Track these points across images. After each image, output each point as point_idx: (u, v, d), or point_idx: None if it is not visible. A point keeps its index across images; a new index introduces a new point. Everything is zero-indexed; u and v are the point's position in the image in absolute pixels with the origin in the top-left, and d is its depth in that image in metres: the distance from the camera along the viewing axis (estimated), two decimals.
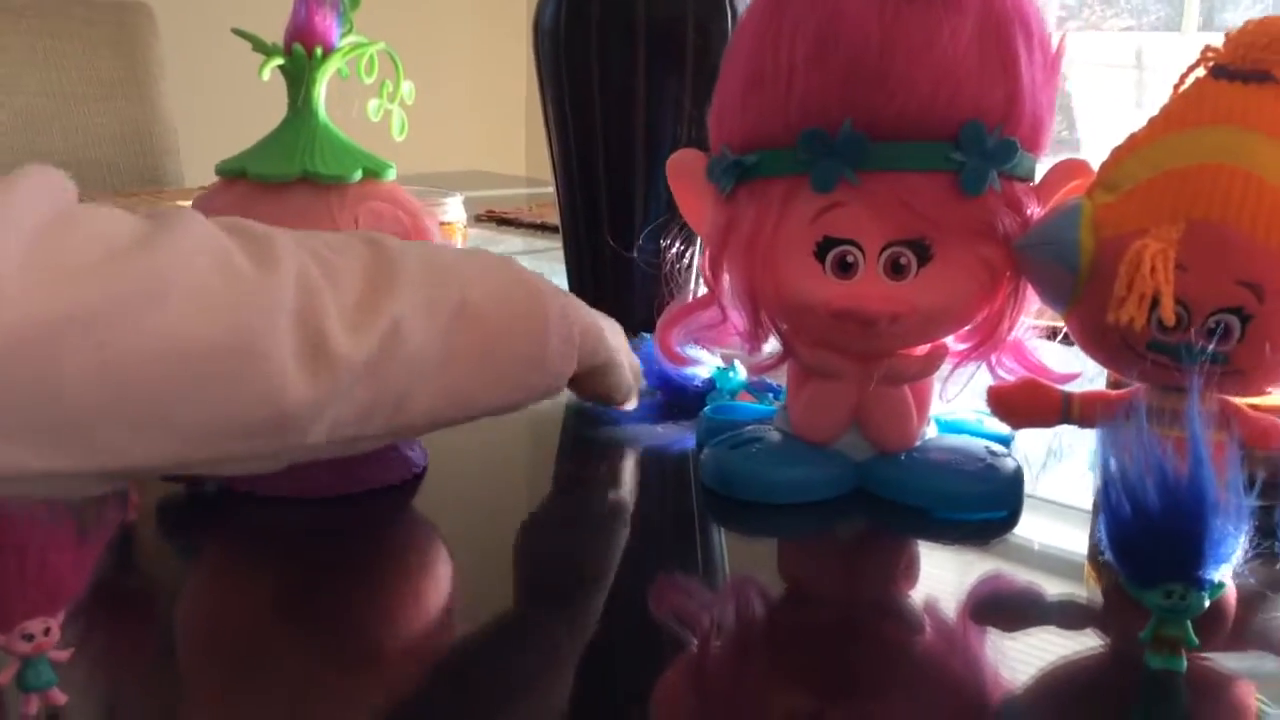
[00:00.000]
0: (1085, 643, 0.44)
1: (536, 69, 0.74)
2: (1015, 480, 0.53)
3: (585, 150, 0.73)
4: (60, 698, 0.35)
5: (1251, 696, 0.41)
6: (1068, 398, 0.50)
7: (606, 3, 0.70)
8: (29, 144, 1.47)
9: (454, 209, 0.93)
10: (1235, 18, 2.49)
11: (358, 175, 0.49)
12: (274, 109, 0.51)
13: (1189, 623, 0.38)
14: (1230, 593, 0.46)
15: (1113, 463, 0.38)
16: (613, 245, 0.69)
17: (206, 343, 0.34)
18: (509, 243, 1.24)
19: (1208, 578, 0.38)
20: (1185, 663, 0.39)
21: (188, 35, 1.55)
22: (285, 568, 0.49)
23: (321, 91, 0.50)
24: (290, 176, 0.48)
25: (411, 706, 0.41)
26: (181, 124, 1.59)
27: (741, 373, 0.66)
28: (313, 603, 0.46)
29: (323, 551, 0.50)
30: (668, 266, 0.57)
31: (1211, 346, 0.45)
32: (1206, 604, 0.38)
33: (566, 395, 0.56)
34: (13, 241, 0.31)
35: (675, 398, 0.66)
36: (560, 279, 0.82)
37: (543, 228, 1.25)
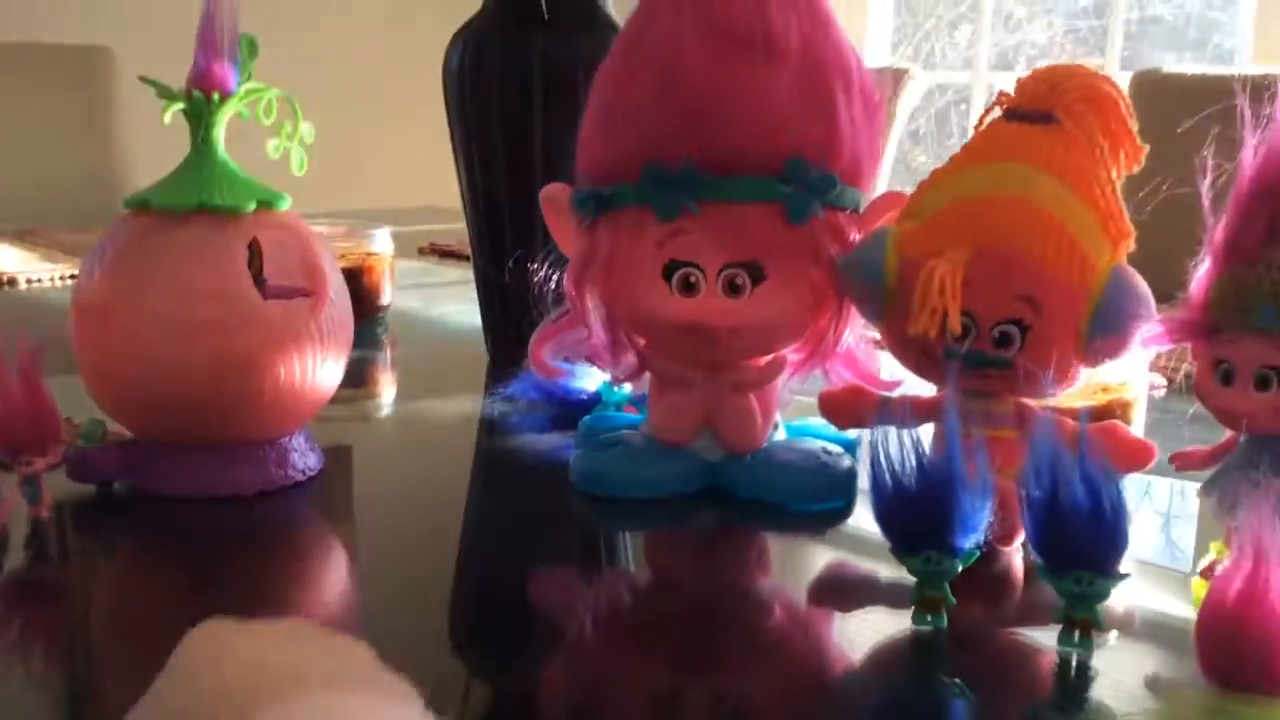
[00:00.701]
0: (906, 620, 0.49)
1: (445, 107, 0.81)
2: (849, 476, 0.59)
3: (489, 185, 0.79)
4: None
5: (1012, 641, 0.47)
6: (884, 400, 0.56)
7: (504, 49, 0.76)
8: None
9: (381, 241, 0.99)
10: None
11: (252, 206, 0.55)
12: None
13: (947, 584, 0.44)
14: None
15: (880, 450, 0.44)
16: (509, 273, 0.75)
17: None
18: (446, 274, 1.30)
19: (960, 545, 0.44)
20: (946, 619, 0.45)
21: (146, 74, 1.61)
22: (188, 564, 0.54)
23: (220, 132, 0.56)
24: (189, 207, 0.54)
25: None
26: (140, 162, 1.65)
27: (626, 387, 0.72)
28: (213, 595, 0.51)
29: (226, 548, 0.55)
30: (537, 289, 0.63)
31: (997, 353, 0.51)
32: (960, 568, 0.44)
33: (477, 410, 0.62)
34: None
35: (563, 410, 0.72)
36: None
37: None
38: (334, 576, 0.56)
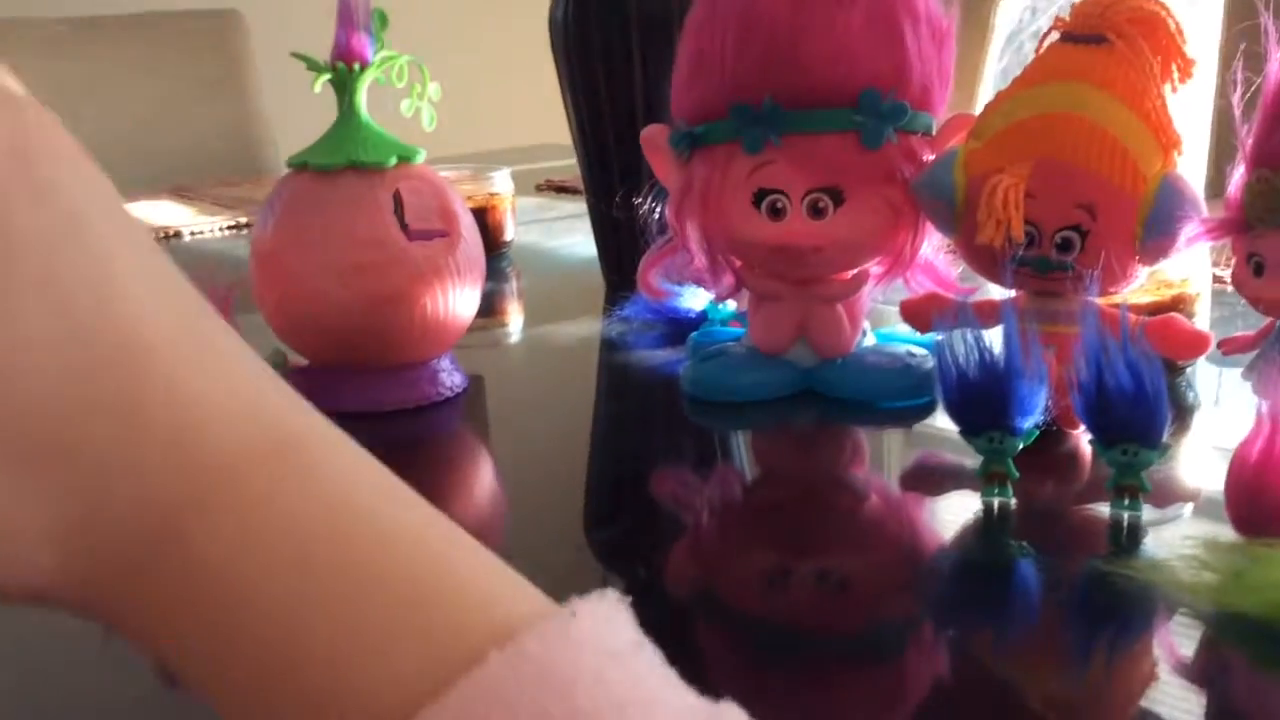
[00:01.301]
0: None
1: (553, 56, 0.88)
2: (929, 375, 0.66)
3: (595, 127, 0.86)
4: None
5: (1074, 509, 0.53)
6: (960, 304, 0.62)
7: (605, 1, 0.83)
8: (146, 145, 1.66)
9: (502, 182, 1.07)
10: None
11: (393, 161, 0.64)
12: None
13: (1009, 461, 0.51)
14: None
15: (946, 345, 0.51)
16: (618, 208, 0.82)
17: None
18: (562, 208, 1.38)
19: (1019, 425, 0.50)
20: (1011, 492, 0.52)
21: (274, 36, 1.72)
22: None
23: (362, 97, 0.64)
24: (340, 165, 0.63)
25: None
26: (275, 116, 1.77)
27: (730, 304, 0.79)
28: None
29: (390, 454, 0.65)
30: (644, 220, 0.71)
31: (1059, 257, 0.57)
32: (1020, 446, 0.51)
33: (597, 331, 0.72)
34: None
35: (674, 327, 0.80)
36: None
37: None
38: (480, 477, 0.65)
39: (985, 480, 0.52)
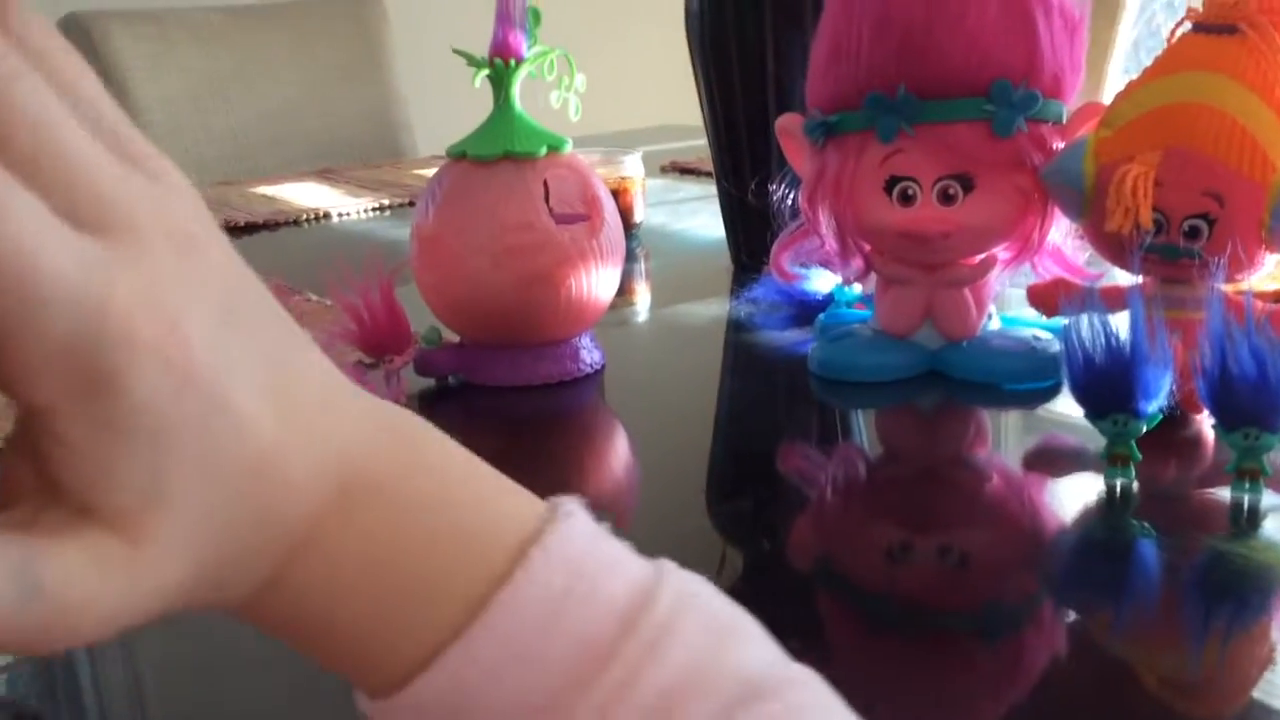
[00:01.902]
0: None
1: (688, 44, 0.91)
2: (1055, 358, 0.67)
3: (728, 111, 0.90)
4: None
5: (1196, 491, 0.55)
6: (1086, 290, 0.64)
7: None
8: (291, 129, 1.74)
9: (632, 165, 1.11)
10: None
11: (543, 150, 0.68)
12: (484, 85, 0.70)
13: (1133, 443, 0.53)
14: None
15: (1073, 329, 0.53)
16: (753, 193, 0.85)
17: None
18: (688, 189, 1.42)
19: (1143, 409, 0.52)
20: (1134, 474, 0.54)
21: (414, 21, 1.79)
22: (507, 437, 0.69)
23: (516, 90, 0.69)
24: (496, 155, 0.67)
25: None
26: (412, 101, 1.84)
27: (856, 287, 0.82)
28: (525, 459, 0.65)
29: (534, 425, 0.69)
30: (776, 205, 0.74)
31: (1187, 244, 0.58)
32: (1144, 429, 0.53)
33: (725, 312, 0.75)
34: None
35: (801, 310, 0.82)
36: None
37: None
38: (615, 448, 0.69)
39: (1109, 462, 0.54)
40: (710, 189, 0.99)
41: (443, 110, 1.51)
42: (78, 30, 1.55)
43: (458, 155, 0.69)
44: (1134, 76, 0.61)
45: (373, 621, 0.26)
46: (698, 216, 1.24)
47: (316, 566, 0.25)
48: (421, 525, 0.26)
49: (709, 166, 0.97)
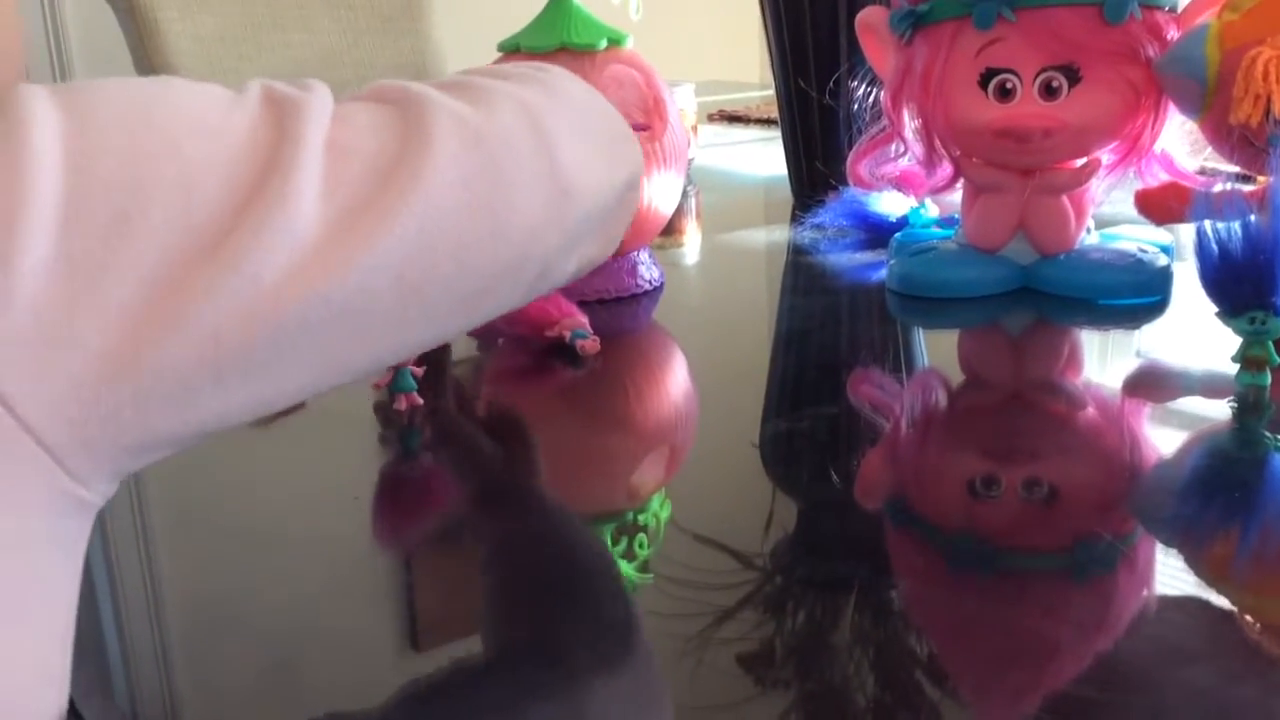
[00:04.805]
0: (1216, 409, 0.51)
1: None
2: (1164, 272, 0.62)
3: (791, 16, 0.84)
4: (418, 400, 0.51)
5: None
6: (1204, 194, 0.58)
7: None
8: (326, 78, 1.69)
9: (685, 96, 1.06)
10: None
11: (603, 44, 0.63)
12: None
13: (1270, 344, 0.47)
14: None
15: (1205, 219, 0.47)
16: (828, 91, 0.79)
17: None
18: (738, 135, 1.36)
19: None
20: (1269, 378, 0.48)
21: None
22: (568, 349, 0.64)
23: None
24: (552, 47, 0.62)
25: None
26: (451, 53, 1.79)
27: (932, 210, 0.76)
28: (584, 372, 0.60)
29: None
30: (855, 107, 0.68)
31: None
32: None
33: (787, 238, 0.68)
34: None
35: (874, 233, 0.77)
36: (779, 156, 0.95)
37: (766, 122, 1.37)
38: (672, 370, 0.64)
39: (1242, 365, 0.48)
40: (760, 134, 0.93)
41: (481, 63, 1.47)
42: None
43: (511, 49, 0.63)
44: None
45: None
46: (751, 159, 1.18)
47: None
48: None
49: (757, 114, 0.91)
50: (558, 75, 0.37)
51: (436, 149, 0.29)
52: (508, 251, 0.31)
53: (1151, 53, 0.58)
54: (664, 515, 0.43)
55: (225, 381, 0.26)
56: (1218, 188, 0.58)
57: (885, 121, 0.65)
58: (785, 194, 0.95)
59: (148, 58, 1.52)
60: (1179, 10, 0.59)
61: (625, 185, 0.37)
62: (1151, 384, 0.58)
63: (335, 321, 0.27)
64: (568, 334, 0.58)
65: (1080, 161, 0.62)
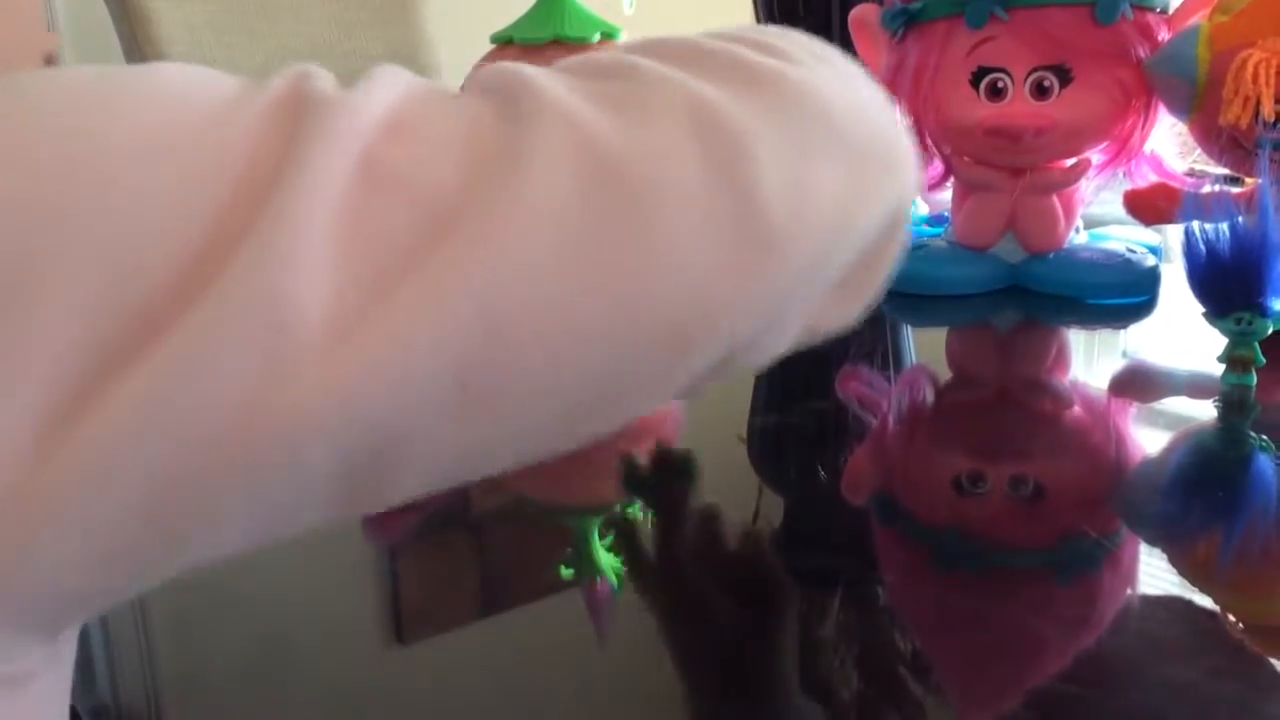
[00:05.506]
0: (1200, 410, 0.51)
1: None
2: (1152, 272, 0.62)
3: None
4: None
5: None
6: (1192, 195, 0.58)
7: None
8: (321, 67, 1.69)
9: None
10: None
11: (597, 37, 0.63)
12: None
13: (1256, 344, 0.47)
14: None
15: (1194, 220, 0.47)
16: None
17: None
18: None
19: (1271, 306, 0.46)
20: (1254, 379, 0.48)
21: None
22: None
23: None
24: (545, 40, 0.62)
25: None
26: (442, 45, 1.79)
27: (922, 208, 0.76)
28: None
29: None
30: None
31: None
32: (1270, 329, 0.47)
33: None
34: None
35: None
36: None
37: None
38: None
39: (1228, 366, 0.48)
40: None
41: (473, 56, 1.46)
42: None
43: (504, 42, 0.63)
44: None
45: None
46: None
47: None
48: None
49: None
50: (799, 52, 0.25)
51: (531, 180, 0.19)
52: (647, 337, 0.20)
53: (1143, 53, 0.58)
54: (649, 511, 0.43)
55: (168, 540, 0.18)
56: (1206, 189, 0.59)
57: None
58: None
59: (138, 47, 1.51)
60: (1170, 11, 0.59)
61: (884, 220, 0.25)
62: (1138, 383, 0.58)
63: (349, 458, 0.18)
64: None
65: (1070, 161, 0.62)
